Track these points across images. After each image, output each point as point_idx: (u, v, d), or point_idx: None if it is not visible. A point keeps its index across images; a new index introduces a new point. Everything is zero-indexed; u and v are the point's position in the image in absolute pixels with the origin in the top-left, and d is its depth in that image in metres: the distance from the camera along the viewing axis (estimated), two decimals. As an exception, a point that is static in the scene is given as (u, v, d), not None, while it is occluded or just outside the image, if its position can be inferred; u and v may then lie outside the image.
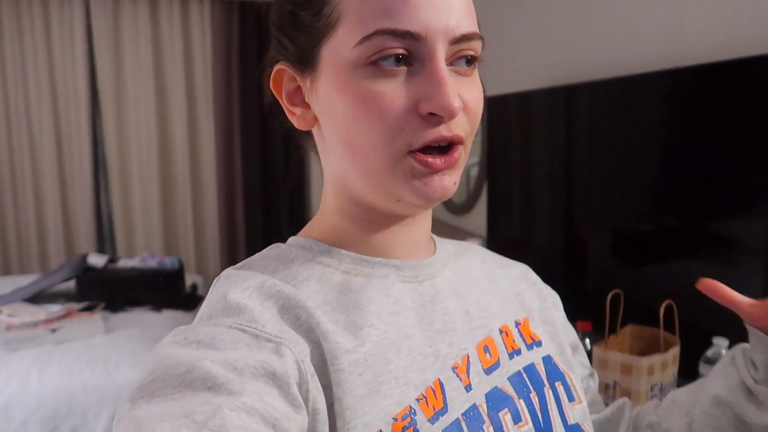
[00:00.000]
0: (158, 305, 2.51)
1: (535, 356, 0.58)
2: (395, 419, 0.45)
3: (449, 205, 2.73)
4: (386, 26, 0.44)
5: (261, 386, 0.39)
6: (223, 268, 3.30)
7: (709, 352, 1.19)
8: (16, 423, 1.85)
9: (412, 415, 0.46)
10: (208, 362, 0.39)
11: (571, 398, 0.57)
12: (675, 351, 1.13)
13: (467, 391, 0.50)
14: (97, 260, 2.65)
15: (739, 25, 1.41)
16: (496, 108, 2.13)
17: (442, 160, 0.47)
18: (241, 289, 0.47)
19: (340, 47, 0.47)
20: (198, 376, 0.38)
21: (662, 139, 1.49)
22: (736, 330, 1.21)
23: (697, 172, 1.38)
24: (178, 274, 2.68)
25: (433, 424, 0.46)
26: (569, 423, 0.56)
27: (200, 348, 0.41)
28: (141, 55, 3.53)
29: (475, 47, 0.48)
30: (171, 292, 2.61)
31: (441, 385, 0.49)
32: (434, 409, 0.47)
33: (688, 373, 1.22)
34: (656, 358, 1.08)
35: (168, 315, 2.49)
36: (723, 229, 1.33)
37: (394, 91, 0.45)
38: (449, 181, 0.48)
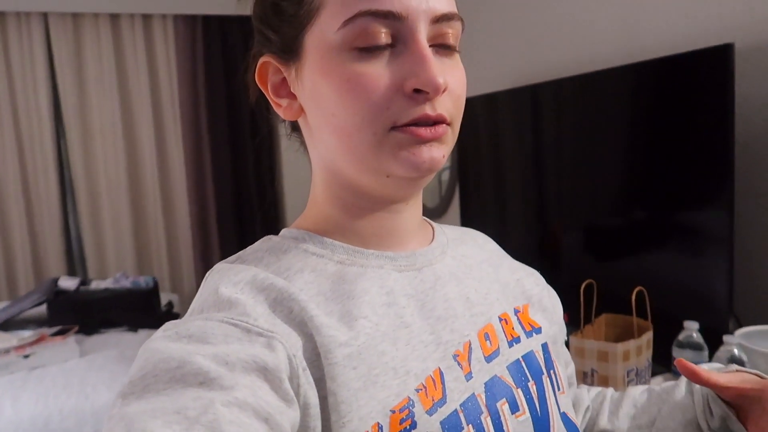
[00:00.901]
0: (134, 325, 2.47)
1: (534, 343, 0.58)
2: (393, 411, 0.45)
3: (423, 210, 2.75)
4: (368, 7, 0.45)
5: (253, 380, 0.39)
6: (198, 286, 3.27)
7: (681, 336, 1.23)
8: (-9, 453, 1.80)
9: (411, 407, 0.46)
10: (200, 357, 0.39)
11: (558, 387, 0.58)
12: (648, 336, 1.17)
13: (467, 380, 0.50)
14: (68, 283, 2.59)
15: (693, 18, 1.46)
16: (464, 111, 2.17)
17: (429, 131, 0.47)
18: (233, 282, 0.47)
19: (323, 32, 0.47)
20: (189, 371, 0.38)
21: (626, 133, 1.54)
22: (705, 314, 1.26)
23: (659, 164, 1.42)
24: (153, 292, 2.64)
25: (431, 415, 0.46)
26: (561, 411, 0.57)
27: (191, 342, 0.40)
28: (104, 73, 3.48)
29: (455, 27, 0.49)
30: (147, 311, 2.57)
31: (441, 374, 0.49)
32: (433, 400, 0.47)
33: (661, 357, 1.25)
34: (631, 344, 1.11)
35: (145, 335, 2.45)
36: (687, 219, 1.37)
37: (379, 71, 0.46)
38: (438, 153, 0.48)
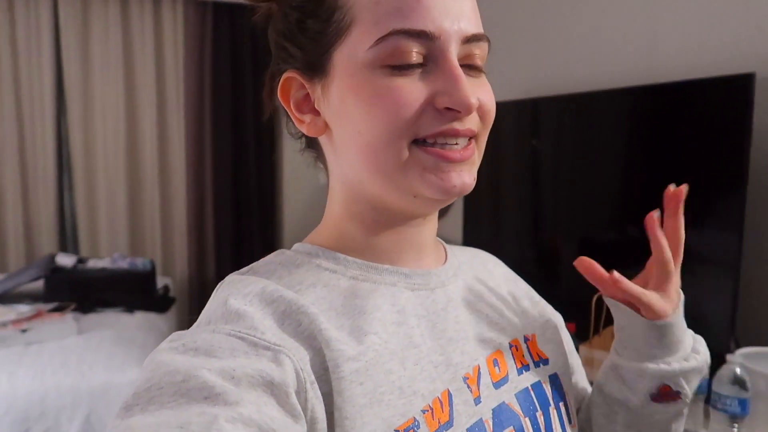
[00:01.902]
0: (131, 307, 2.47)
1: (542, 374, 0.58)
2: (397, 431, 0.44)
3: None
4: (401, 26, 0.45)
5: (259, 396, 0.39)
6: (191, 271, 3.28)
7: (684, 352, 1.27)
8: (-15, 426, 1.80)
9: (415, 428, 0.45)
10: (205, 371, 0.38)
11: (569, 421, 0.58)
12: (655, 350, 1.20)
13: (476, 404, 0.50)
14: (65, 260, 2.58)
15: (713, 44, 1.51)
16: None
17: (458, 153, 0.47)
18: (242, 294, 0.46)
19: (354, 50, 0.47)
20: (194, 385, 0.37)
21: (638, 153, 1.58)
22: (705, 333, 1.30)
23: (664, 183, 1.47)
24: (150, 275, 2.64)
25: None
26: None
27: (198, 356, 0.40)
28: (110, 53, 3.46)
29: (483, 48, 0.49)
30: (143, 293, 2.57)
31: (449, 396, 0.48)
32: (439, 422, 0.46)
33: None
34: (639, 357, 1.15)
35: (141, 317, 2.45)
36: (696, 240, 1.41)
37: (410, 86, 0.46)
38: (468, 177, 0.48)
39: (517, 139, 2.05)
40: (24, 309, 2.22)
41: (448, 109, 0.46)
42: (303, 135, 0.56)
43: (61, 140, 3.53)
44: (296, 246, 0.55)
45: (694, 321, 1.37)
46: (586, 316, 1.31)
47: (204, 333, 0.43)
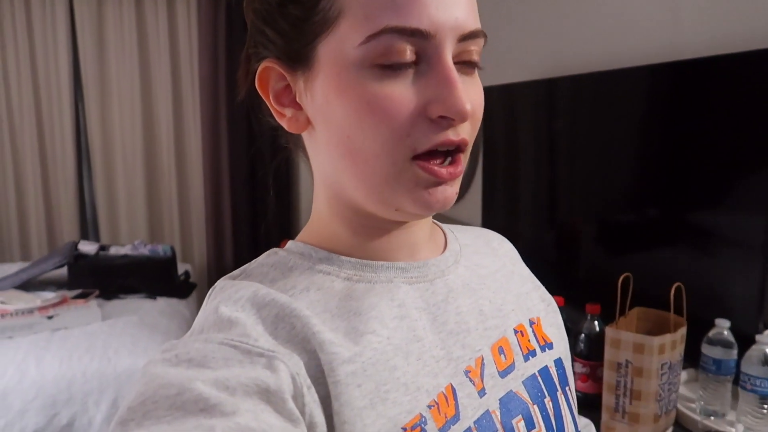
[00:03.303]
0: (153, 293, 2.50)
1: (548, 359, 0.57)
2: (404, 429, 0.43)
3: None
4: (395, 24, 0.41)
5: (255, 404, 0.38)
6: (209, 258, 3.30)
7: (711, 333, 1.26)
8: (15, 411, 1.83)
9: (423, 424, 0.44)
10: (199, 383, 0.37)
11: (575, 405, 0.58)
12: (682, 331, 1.19)
13: (480, 397, 0.49)
14: (88, 247, 2.61)
15: (724, 21, 1.47)
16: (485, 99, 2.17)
17: (448, 171, 0.45)
18: (233, 300, 0.45)
19: (341, 45, 0.43)
20: (189, 398, 0.37)
21: (666, 132, 1.55)
22: (733, 314, 1.28)
23: (698, 164, 1.44)
24: (171, 261, 2.67)
25: None
26: (577, 430, 0.56)
27: (191, 367, 0.39)
28: (125, 41, 3.48)
29: (479, 44, 0.46)
30: (165, 279, 2.60)
31: (453, 390, 0.47)
32: (446, 417, 0.45)
33: (689, 353, 1.28)
34: (667, 338, 1.14)
35: (163, 302, 2.49)
36: (723, 219, 1.39)
37: (402, 93, 0.43)
38: (451, 192, 0.47)
39: (534, 120, 2.02)
40: (49, 296, 2.26)
41: (441, 117, 0.43)
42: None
43: (80, 130, 3.57)
44: (289, 245, 0.53)
45: (722, 303, 1.36)
46: (610, 297, 1.29)
47: (196, 343, 0.42)
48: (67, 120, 3.44)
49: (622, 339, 1.16)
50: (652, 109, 1.60)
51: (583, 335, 1.35)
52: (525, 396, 0.52)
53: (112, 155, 3.57)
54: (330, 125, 0.46)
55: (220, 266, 3.74)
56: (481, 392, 0.49)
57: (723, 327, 1.24)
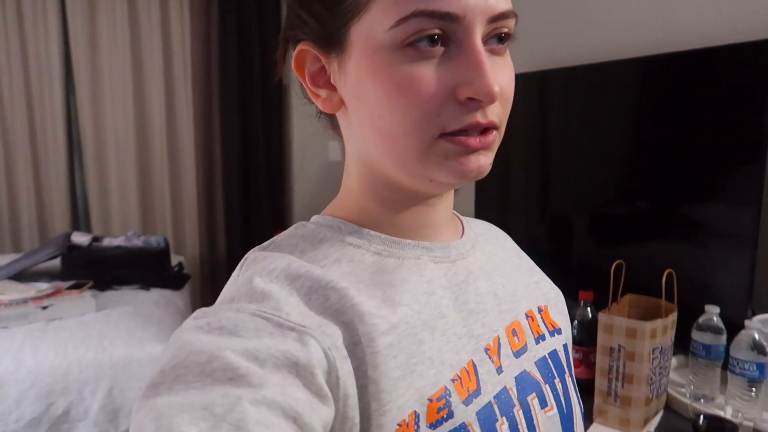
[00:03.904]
0: (146, 284, 2.50)
1: (556, 343, 0.59)
2: (430, 400, 0.45)
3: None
4: (424, 7, 0.42)
5: (284, 377, 0.38)
6: (201, 249, 3.30)
7: (701, 319, 1.28)
8: (11, 400, 1.83)
9: (447, 397, 0.46)
10: (230, 352, 0.38)
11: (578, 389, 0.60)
12: (673, 316, 1.22)
13: (498, 374, 0.51)
14: (81, 239, 2.61)
15: (717, 14, 1.49)
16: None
17: (478, 140, 0.46)
18: (268, 271, 0.46)
19: (372, 29, 0.44)
20: (219, 366, 0.37)
21: (658, 123, 1.57)
22: (722, 301, 1.31)
23: (690, 155, 1.47)
24: (164, 252, 2.67)
25: (467, 406, 0.46)
26: (582, 411, 0.59)
27: (222, 335, 0.40)
28: (117, 31, 3.45)
29: (509, 25, 0.47)
30: (159, 271, 2.60)
31: (474, 366, 0.49)
32: (468, 390, 0.47)
33: (678, 339, 1.31)
34: (658, 323, 1.17)
35: (157, 293, 2.48)
36: (713, 209, 1.42)
37: (431, 74, 0.44)
38: (485, 161, 0.47)
39: (527, 112, 2.04)
40: (43, 286, 2.25)
41: (470, 98, 0.44)
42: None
43: (71, 121, 3.54)
44: (316, 218, 0.55)
45: (712, 290, 1.39)
46: (602, 285, 1.32)
47: (228, 312, 0.42)
48: (59, 112, 3.42)
49: (615, 324, 1.19)
50: (645, 101, 1.63)
51: (576, 322, 1.37)
52: (537, 376, 0.54)
53: (104, 147, 3.55)
54: (362, 105, 0.48)
55: (212, 258, 3.73)
56: (499, 370, 0.51)
57: (713, 313, 1.27)
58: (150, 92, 3.58)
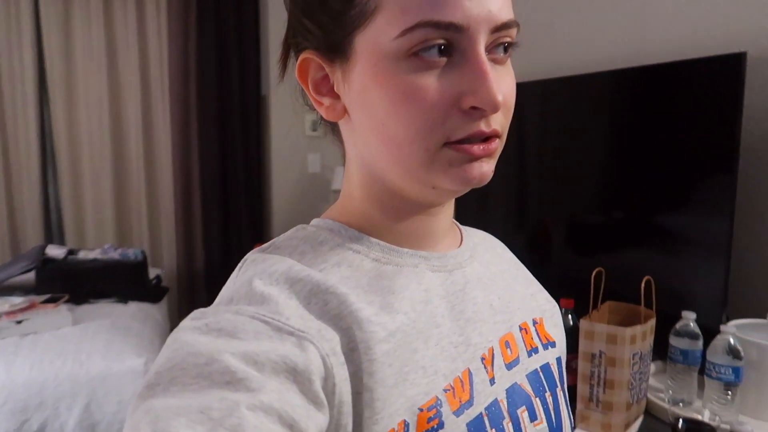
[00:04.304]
0: (124, 297, 2.46)
1: (549, 356, 0.59)
2: (421, 410, 0.44)
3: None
4: (430, 18, 0.43)
5: (281, 382, 0.38)
6: (179, 262, 3.25)
7: (678, 325, 1.31)
8: (-17, 417, 1.79)
9: (438, 407, 0.45)
10: (228, 355, 0.38)
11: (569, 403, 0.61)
12: (652, 322, 1.25)
13: (491, 385, 0.51)
14: (56, 251, 2.56)
15: (694, 26, 1.54)
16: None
17: (481, 148, 0.46)
18: (268, 274, 0.46)
19: (378, 38, 0.45)
20: (217, 369, 0.37)
21: (633, 134, 1.61)
22: (697, 308, 1.34)
23: (665, 165, 1.51)
24: (142, 265, 2.63)
25: (458, 416, 0.46)
26: (573, 426, 0.60)
27: (221, 337, 0.40)
28: (93, 41, 3.42)
29: (512, 34, 0.47)
30: (136, 283, 2.56)
31: (470, 375, 0.49)
32: (460, 401, 0.47)
33: (659, 346, 1.34)
34: (638, 329, 1.19)
35: (135, 307, 2.45)
36: (689, 218, 1.46)
37: (435, 84, 0.44)
38: (488, 168, 0.48)
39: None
40: (16, 300, 2.21)
41: (474, 108, 0.45)
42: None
43: (45, 132, 3.49)
44: (316, 221, 0.55)
45: (688, 297, 1.42)
46: (582, 293, 1.34)
47: (227, 314, 0.42)
48: (32, 122, 3.36)
49: (595, 331, 1.21)
50: (620, 113, 1.67)
51: (565, 338, 1.39)
52: (528, 389, 0.54)
53: (79, 158, 3.50)
54: (366, 113, 0.48)
55: (190, 271, 3.69)
56: (492, 381, 0.51)
57: (689, 319, 1.30)
58: (126, 103, 3.55)
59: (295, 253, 0.50)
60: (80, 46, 3.41)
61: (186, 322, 0.42)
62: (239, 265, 0.50)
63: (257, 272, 0.46)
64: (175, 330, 0.42)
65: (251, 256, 0.50)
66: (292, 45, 0.53)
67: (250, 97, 3.73)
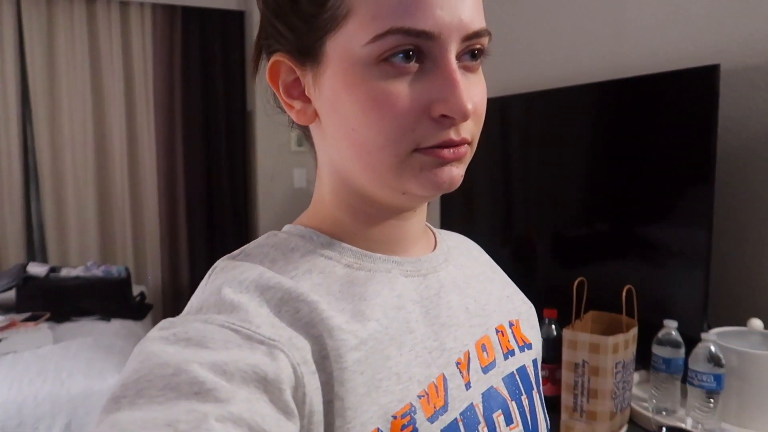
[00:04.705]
0: (107, 314, 2.43)
1: (526, 359, 0.59)
2: (394, 417, 0.44)
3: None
4: (401, 25, 0.43)
5: (251, 392, 0.37)
6: (164, 278, 3.23)
7: (660, 334, 1.32)
8: (-40, 439, 1.75)
9: (412, 414, 0.45)
10: (196, 365, 0.37)
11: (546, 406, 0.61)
12: (634, 331, 1.25)
13: (466, 389, 0.50)
14: (38, 269, 2.53)
15: (669, 40, 1.58)
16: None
17: (451, 152, 0.46)
18: (238, 282, 0.45)
19: (349, 43, 0.45)
20: (185, 379, 0.36)
21: (611, 146, 1.64)
22: (678, 316, 1.35)
23: (643, 177, 1.53)
24: (125, 282, 2.60)
25: (432, 423, 0.46)
26: (548, 428, 0.60)
27: (189, 346, 0.39)
28: (76, 58, 3.41)
29: (483, 42, 0.47)
30: (119, 301, 2.53)
31: (444, 381, 0.49)
32: (435, 407, 0.47)
33: (642, 355, 1.34)
34: (620, 338, 1.20)
35: (118, 324, 2.42)
36: (668, 229, 1.47)
37: (406, 90, 0.44)
38: (457, 172, 0.48)
39: (488, 136, 2.09)
40: (-3, 319, 2.17)
41: (443, 116, 0.45)
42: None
43: (27, 148, 3.46)
44: (288, 228, 0.54)
45: (669, 307, 1.43)
46: (565, 303, 1.35)
47: (196, 323, 0.41)
48: (14, 138, 3.34)
49: (578, 340, 1.21)
50: (599, 125, 1.69)
51: (541, 339, 1.40)
52: (504, 392, 0.54)
53: (62, 174, 3.47)
54: (337, 117, 0.48)
55: (175, 287, 3.66)
56: (467, 385, 0.51)
57: (671, 327, 1.31)
58: (110, 118, 3.53)
59: (266, 260, 0.49)
60: (64, 61, 3.39)
61: (153, 332, 0.41)
62: (208, 272, 0.49)
63: (227, 280, 0.46)
64: (142, 340, 0.41)
65: (221, 263, 0.50)
66: (264, 47, 0.53)
67: (235, 112, 3.74)
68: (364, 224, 0.53)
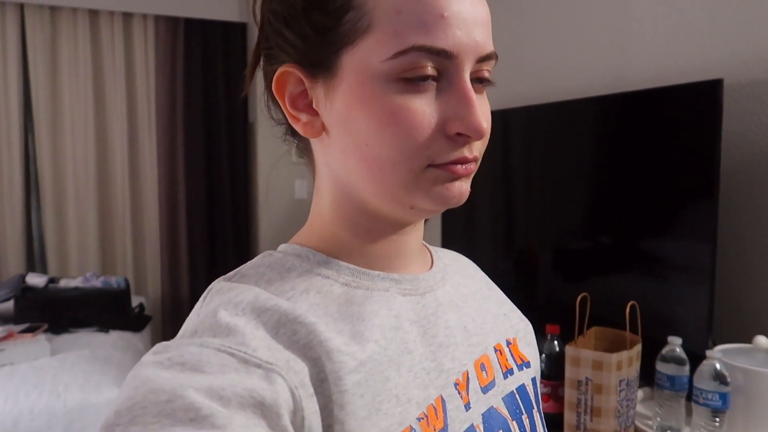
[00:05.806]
0: (105, 326, 2.41)
1: (525, 377, 0.59)
2: None
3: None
4: (423, 43, 0.43)
5: (248, 417, 0.37)
6: (164, 290, 3.22)
7: (665, 350, 1.30)
8: (-45, 452, 1.73)
9: None
10: (192, 390, 0.36)
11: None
12: (638, 348, 1.24)
13: (466, 410, 0.50)
14: (36, 280, 2.52)
15: (673, 54, 1.57)
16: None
17: (463, 168, 0.47)
18: (234, 304, 0.44)
19: (368, 58, 0.44)
20: (180, 405, 0.35)
21: (615, 161, 1.63)
22: (683, 333, 1.33)
23: (648, 192, 1.51)
24: (125, 293, 2.59)
25: None
26: None
27: (184, 371, 0.38)
28: (79, 69, 3.42)
29: (491, 65, 0.49)
30: (118, 312, 2.51)
31: (443, 402, 0.48)
32: (434, 429, 0.46)
33: (646, 372, 1.33)
34: (624, 355, 1.18)
35: (116, 336, 2.40)
36: (672, 245, 1.46)
37: (423, 108, 0.44)
38: (466, 187, 0.48)
39: (490, 149, 2.09)
40: (-6, 330, 2.15)
41: (458, 134, 0.45)
42: (287, 123, 0.53)
43: (28, 159, 3.46)
44: (283, 247, 0.53)
45: (673, 323, 1.42)
46: (568, 319, 1.33)
47: (191, 346, 0.40)
48: (16, 149, 3.35)
49: (581, 357, 1.20)
50: (603, 139, 1.68)
51: (543, 355, 1.38)
52: (505, 412, 0.53)
53: (63, 185, 3.47)
54: (349, 132, 0.47)
55: (175, 298, 3.65)
56: (467, 406, 0.50)
57: (675, 344, 1.29)
58: (112, 129, 3.54)
59: (262, 281, 0.48)
60: (66, 72, 3.41)
61: (147, 357, 0.40)
62: (204, 295, 0.48)
63: (222, 302, 0.45)
64: (137, 365, 0.40)
65: (216, 285, 0.48)
66: (266, 56, 0.51)
67: (237, 123, 3.74)
68: (363, 240, 0.52)
